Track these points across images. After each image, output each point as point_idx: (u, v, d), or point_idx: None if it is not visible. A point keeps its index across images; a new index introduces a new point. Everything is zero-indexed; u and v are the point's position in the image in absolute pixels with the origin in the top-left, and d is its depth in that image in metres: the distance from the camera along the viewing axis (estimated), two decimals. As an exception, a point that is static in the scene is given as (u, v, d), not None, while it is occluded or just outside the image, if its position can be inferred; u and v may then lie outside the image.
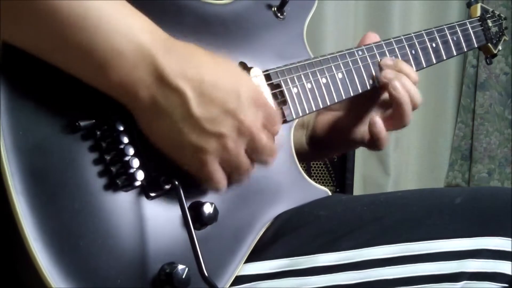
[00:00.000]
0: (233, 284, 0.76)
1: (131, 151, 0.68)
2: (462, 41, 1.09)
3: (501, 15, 1.23)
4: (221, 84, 0.67)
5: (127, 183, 0.67)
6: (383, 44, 0.97)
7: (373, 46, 0.95)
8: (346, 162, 2.01)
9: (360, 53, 0.93)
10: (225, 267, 0.75)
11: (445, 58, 1.05)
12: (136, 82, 0.64)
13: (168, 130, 0.66)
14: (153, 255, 0.68)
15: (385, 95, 0.95)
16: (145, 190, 0.69)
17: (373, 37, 0.98)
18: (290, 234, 0.79)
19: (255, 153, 0.72)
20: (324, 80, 0.87)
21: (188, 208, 0.69)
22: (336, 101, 0.89)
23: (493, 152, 3.01)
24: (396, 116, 0.94)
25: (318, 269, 0.75)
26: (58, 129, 0.64)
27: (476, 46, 1.14)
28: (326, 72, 0.88)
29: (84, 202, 0.64)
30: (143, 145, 0.69)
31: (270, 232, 0.81)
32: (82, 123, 0.64)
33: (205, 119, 0.66)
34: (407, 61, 0.98)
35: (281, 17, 0.89)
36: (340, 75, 0.89)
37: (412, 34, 1.01)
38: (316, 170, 2.04)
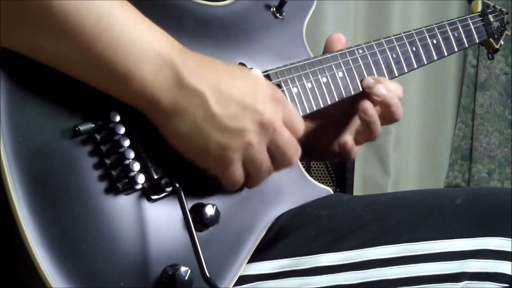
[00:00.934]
0: (235, 284, 0.76)
1: (131, 154, 0.68)
2: (463, 36, 1.08)
3: (503, 9, 1.23)
4: (238, 84, 0.69)
5: (128, 186, 0.67)
6: (384, 42, 0.96)
7: (374, 44, 0.95)
8: (346, 162, 2.02)
9: (360, 51, 0.93)
10: (228, 268, 0.75)
11: (446, 54, 1.05)
12: (158, 89, 0.65)
13: (191, 132, 0.67)
14: (155, 257, 0.68)
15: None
16: (146, 193, 0.69)
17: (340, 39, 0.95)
18: (292, 234, 0.79)
19: (279, 150, 0.72)
20: (324, 80, 0.87)
21: (190, 210, 0.69)
22: (337, 99, 0.88)
23: (493, 152, 3.02)
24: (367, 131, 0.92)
25: (320, 269, 0.75)
26: (58, 134, 0.64)
27: (477, 41, 1.14)
28: (326, 71, 0.88)
29: (85, 206, 0.64)
30: (144, 148, 0.69)
31: (272, 232, 0.81)
32: (81, 128, 0.65)
33: (225, 116, 0.67)
34: (407, 58, 0.98)
35: (280, 17, 0.89)
36: (340, 74, 0.89)
37: (413, 31, 1.00)
38: (316, 170, 2.04)
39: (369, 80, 0.90)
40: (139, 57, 0.64)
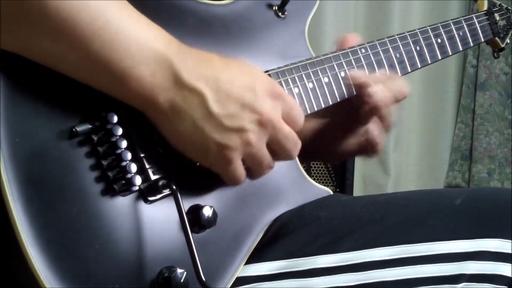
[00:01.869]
0: (233, 285, 0.75)
1: (128, 156, 0.67)
2: (469, 36, 1.07)
3: (509, 8, 1.21)
4: (236, 81, 0.69)
5: (125, 188, 0.67)
6: (387, 41, 0.95)
7: (377, 44, 0.94)
8: (346, 162, 2.02)
9: (363, 51, 0.92)
10: (225, 270, 0.75)
11: (450, 53, 1.04)
12: (156, 88, 0.65)
13: (190, 131, 0.67)
14: (151, 259, 0.68)
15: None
16: (143, 195, 0.68)
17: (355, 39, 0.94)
18: (290, 235, 0.79)
19: (278, 145, 0.72)
20: (326, 79, 0.86)
21: (187, 212, 0.69)
22: (338, 100, 0.87)
23: (493, 152, 3.01)
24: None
25: (318, 270, 0.75)
26: (55, 135, 0.64)
27: (482, 40, 1.12)
28: (328, 71, 0.87)
29: (81, 208, 0.64)
30: (141, 150, 0.69)
31: (270, 233, 0.81)
32: (79, 129, 0.64)
33: (224, 115, 0.67)
34: (411, 58, 0.97)
35: (282, 16, 0.89)
36: (342, 74, 0.88)
37: (417, 30, 0.99)
38: (316, 170, 2.04)
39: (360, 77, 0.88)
40: (136, 56, 0.64)
